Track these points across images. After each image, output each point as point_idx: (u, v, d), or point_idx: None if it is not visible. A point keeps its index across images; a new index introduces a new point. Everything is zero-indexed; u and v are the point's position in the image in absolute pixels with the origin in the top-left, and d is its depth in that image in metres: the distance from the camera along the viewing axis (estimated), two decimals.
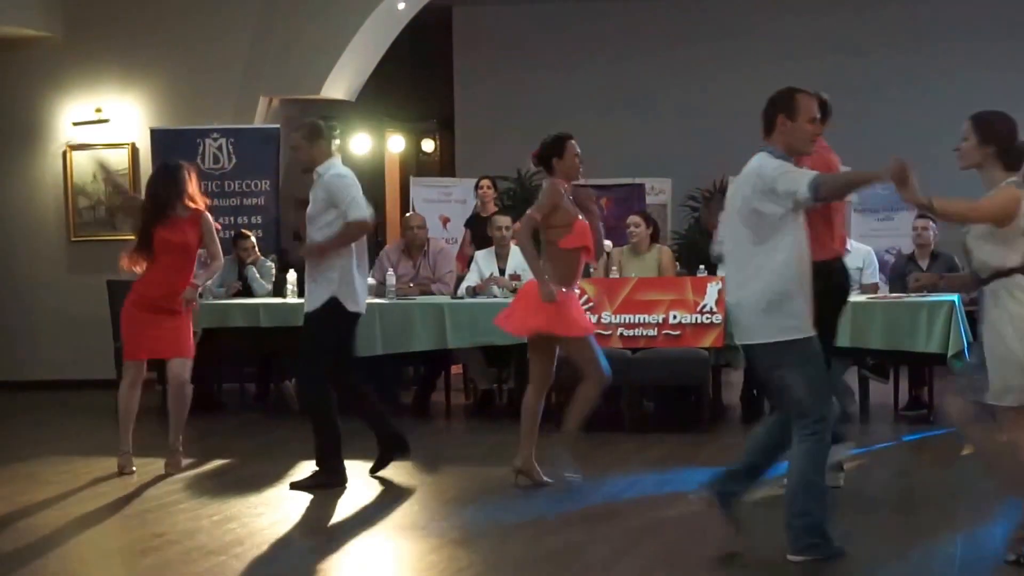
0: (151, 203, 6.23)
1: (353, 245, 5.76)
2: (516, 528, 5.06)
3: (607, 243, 8.27)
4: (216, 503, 5.59)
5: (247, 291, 8.64)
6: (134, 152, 9.93)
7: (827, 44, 11.27)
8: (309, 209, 5.83)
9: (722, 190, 9.51)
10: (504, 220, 8.44)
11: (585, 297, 7.37)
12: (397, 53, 10.79)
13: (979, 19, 11.21)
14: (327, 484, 5.74)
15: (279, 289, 8.47)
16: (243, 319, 8.07)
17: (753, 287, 4.21)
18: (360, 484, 5.91)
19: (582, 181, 9.94)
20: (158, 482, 6.04)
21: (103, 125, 9.93)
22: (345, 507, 5.55)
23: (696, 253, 8.87)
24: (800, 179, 4.14)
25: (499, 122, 11.76)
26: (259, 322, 7.97)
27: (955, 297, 7.21)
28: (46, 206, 10.08)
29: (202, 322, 8.15)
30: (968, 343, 7.12)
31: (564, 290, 5.61)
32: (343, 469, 5.84)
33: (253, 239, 8.88)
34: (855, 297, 6.35)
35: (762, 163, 4.24)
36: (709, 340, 7.22)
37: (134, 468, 6.25)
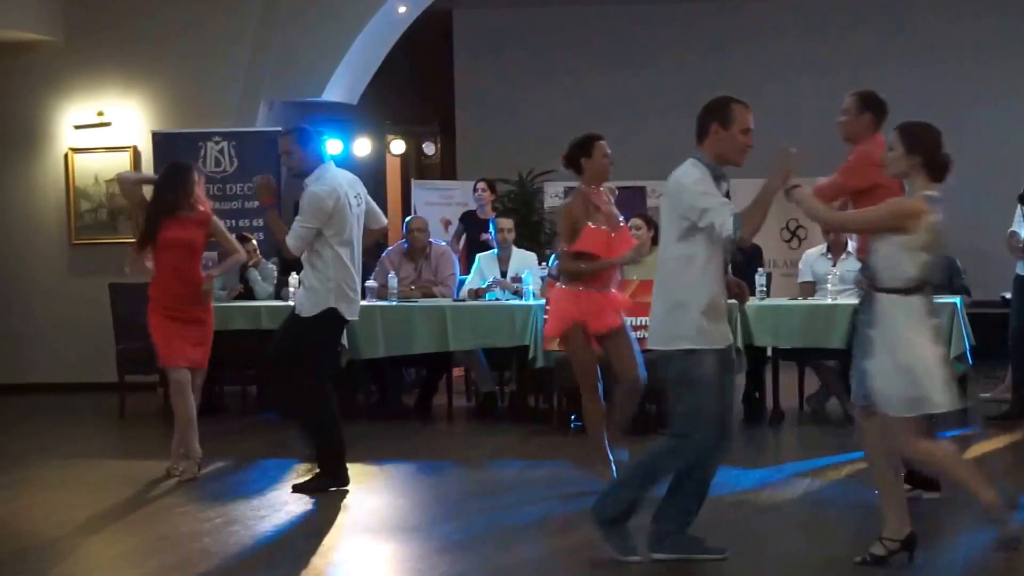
0: (159, 199, 6.19)
1: (347, 257, 5.70)
2: (519, 530, 5.07)
3: None
4: (219, 506, 5.59)
5: (249, 294, 8.65)
6: (136, 155, 9.93)
7: (828, 44, 11.29)
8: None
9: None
10: (507, 222, 8.46)
11: None
12: (398, 56, 10.80)
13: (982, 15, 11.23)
14: (329, 486, 5.74)
15: (281, 291, 8.48)
16: (245, 322, 8.07)
17: (658, 291, 4.31)
18: (362, 487, 5.91)
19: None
20: (160, 485, 6.03)
21: (105, 128, 9.94)
22: (348, 510, 5.55)
23: None
24: (724, 218, 4.11)
25: (500, 125, 11.78)
26: (261, 324, 7.97)
27: (957, 300, 7.22)
28: (48, 209, 10.09)
29: None
30: (969, 346, 7.13)
31: (581, 288, 5.59)
32: (345, 471, 5.83)
33: (254, 242, 8.88)
34: (852, 300, 6.33)
35: (686, 173, 4.26)
36: None
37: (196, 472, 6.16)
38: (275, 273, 8.76)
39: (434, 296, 8.34)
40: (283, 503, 5.62)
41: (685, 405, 4.22)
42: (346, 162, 9.43)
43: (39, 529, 5.28)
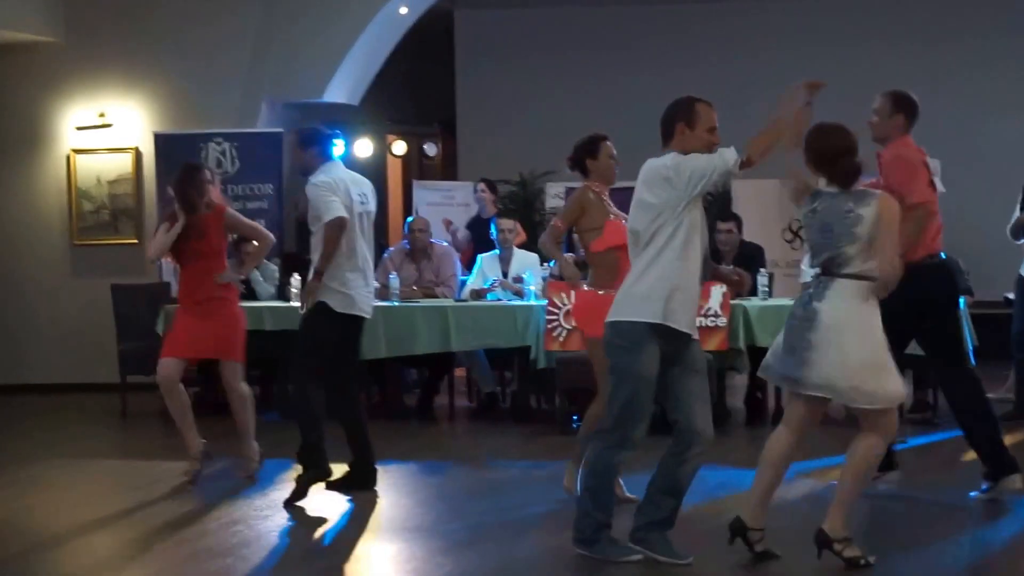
0: (184, 204, 6.08)
1: (345, 248, 5.68)
2: (522, 529, 5.08)
3: None
4: (222, 505, 5.59)
5: (251, 294, 8.65)
6: (137, 156, 9.95)
7: (836, 47, 11.29)
8: (309, 214, 5.83)
9: (725, 191, 9.53)
10: (508, 223, 8.46)
11: None
12: (399, 57, 10.81)
13: (990, 16, 11.24)
14: (314, 479, 5.71)
15: (283, 292, 8.48)
16: (247, 322, 8.05)
17: (629, 281, 4.31)
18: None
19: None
20: (162, 485, 6.03)
21: (106, 130, 9.95)
22: (351, 509, 5.55)
23: None
24: (722, 154, 4.21)
25: (501, 125, 11.78)
26: (263, 325, 7.96)
27: (960, 300, 7.20)
28: (50, 210, 10.10)
29: None
30: (973, 346, 7.12)
31: (602, 292, 5.33)
32: (325, 461, 5.71)
33: (255, 242, 8.88)
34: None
35: (653, 161, 4.34)
36: (714, 344, 7.21)
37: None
38: (277, 274, 8.76)
39: (436, 296, 8.35)
40: (283, 504, 5.62)
41: (614, 396, 4.40)
42: (347, 163, 9.42)
43: (41, 529, 5.28)
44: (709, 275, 4.50)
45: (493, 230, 8.48)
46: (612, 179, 5.52)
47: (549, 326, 7.13)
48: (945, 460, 6.58)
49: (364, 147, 11.37)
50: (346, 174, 5.86)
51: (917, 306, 5.08)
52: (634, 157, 13.15)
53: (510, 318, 7.61)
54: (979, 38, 11.23)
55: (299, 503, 5.57)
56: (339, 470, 5.78)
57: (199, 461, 6.10)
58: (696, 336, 4.39)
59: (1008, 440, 6.98)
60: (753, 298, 7.57)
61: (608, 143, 5.56)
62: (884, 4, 11.52)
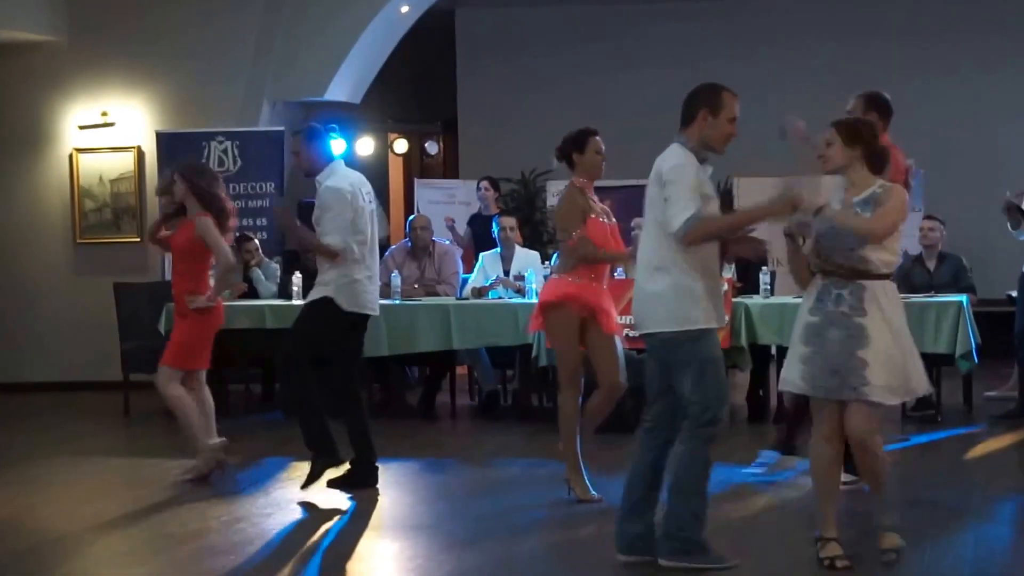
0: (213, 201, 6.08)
1: (363, 246, 5.70)
2: (525, 528, 5.07)
3: None
4: (224, 504, 5.60)
5: (253, 293, 8.66)
6: (139, 155, 9.95)
7: (836, 46, 11.28)
8: (314, 214, 5.81)
9: (727, 191, 9.53)
10: (509, 221, 8.46)
11: None
12: (401, 56, 10.81)
13: (992, 14, 11.23)
14: (325, 466, 5.73)
15: (284, 291, 8.49)
16: (248, 321, 8.08)
17: (660, 279, 4.20)
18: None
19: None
20: (165, 483, 6.03)
21: (109, 129, 9.96)
22: (353, 507, 5.55)
23: None
24: (679, 212, 4.11)
25: (502, 124, 11.79)
26: (264, 324, 7.98)
27: (963, 298, 7.21)
28: (52, 209, 10.11)
29: None
30: (975, 344, 7.12)
31: (589, 280, 5.38)
32: (335, 447, 5.74)
33: (256, 241, 8.91)
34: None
35: (664, 158, 4.27)
36: None
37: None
38: (278, 272, 8.77)
39: (437, 295, 8.35)
40: (288, 501, 5.63)
41: (701, 387, 4.17)
42: (349, 161, 9.42)
43: (45, 527, 5.29)
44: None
45: (495, 228, 8.49)
46: (598, 174, 5.52)
47: None
48: (947, 458, 6.57)
49: (365, 146, 11.38)
50: (352, 175, 5.86)
51: None
52: (635, 154, 13.14)
53: (512, 316, 7.61)
54: (983, 36, 11.22)
55: (307, 496, 5.61)
56: (338, 470, 5.79)
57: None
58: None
59: (1012, 438, 7.01)
60: (755, 296, 7.57)
61: (597, 138, 5.53)
62: (885, 2, 11.51)
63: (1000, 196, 7.72)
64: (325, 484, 5.71)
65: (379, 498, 5.70)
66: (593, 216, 5.43)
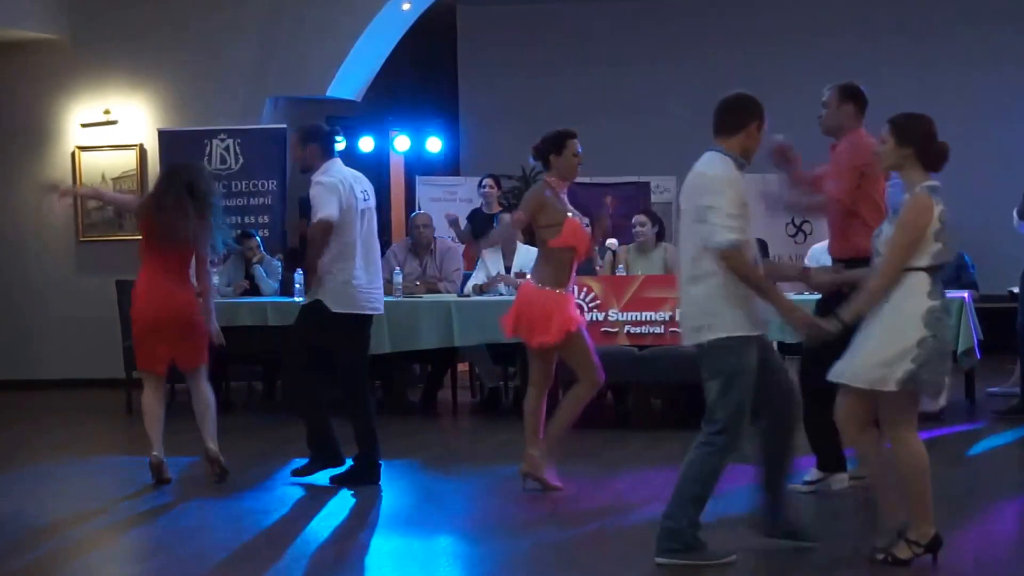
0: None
1: (348, 246, 5.69)
2: (527, 525, 5.08)
3: (612, 241, 8.32)
4: (226, 502, 5.61)
5: (254, 290, 8.67)
6: (142, 153, 9.97)
7: (831, 44, 11.28)
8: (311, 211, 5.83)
9: None
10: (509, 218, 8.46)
11: (592, 295, 7.39)
12: (402, 53, 10.81)
13: (992, 10, 11.21)
14: (324, 467, 5.76)
15: (286, 288, 8.50)
16: (250, 318, 8.09)
17: (701, 287, 4.19)
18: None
19: (587, 179, 10.03)
20: (168, 481, 6.04)
21: (111, 127, 9.98)
22: (354, 505, 5.57)
23: None
24: (723, 229, 4.10)
25: (504, 120, 11.79)
26: (267, 321, 7.99)
27: (966, 294, 7.21)
28: (55, 207, 10.12)
29: None
30: (979, 340, 7.12)
31: (559, 291, 5.47)
32: (338, 449, 5.80)
33: (258, 239, 8.91)
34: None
35: (708, 166, 4.23)
36: None
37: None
38: (280, 269, 8.78)
39: (439, 292, 8.36)
40: (290, 498, 5.65)
41: (731, 396, 4.19)
42: (350, 159, 9.44)
43: (47, 524, 5.30)
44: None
45: (497, 226, 8.49)
46: (572, 176, 5.59)
47: None
48: (950, 454, 6.57)
49: (367, 143, 11.38)
50: (348, 172, 5.86)
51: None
52: (638, 151, 13.19)
53: None
54: (983, 32, 11.21)
55: (305, 494, 5.61)
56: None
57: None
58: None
59: (1014, 435, 7.01)
60: None
61: (575, 140, 5.56)
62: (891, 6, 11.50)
63: (1004, 191, 7.73)
64: (328, 480, 5.72)
65: (380, 495, 5.71)
66: (570, 216, 5.49)
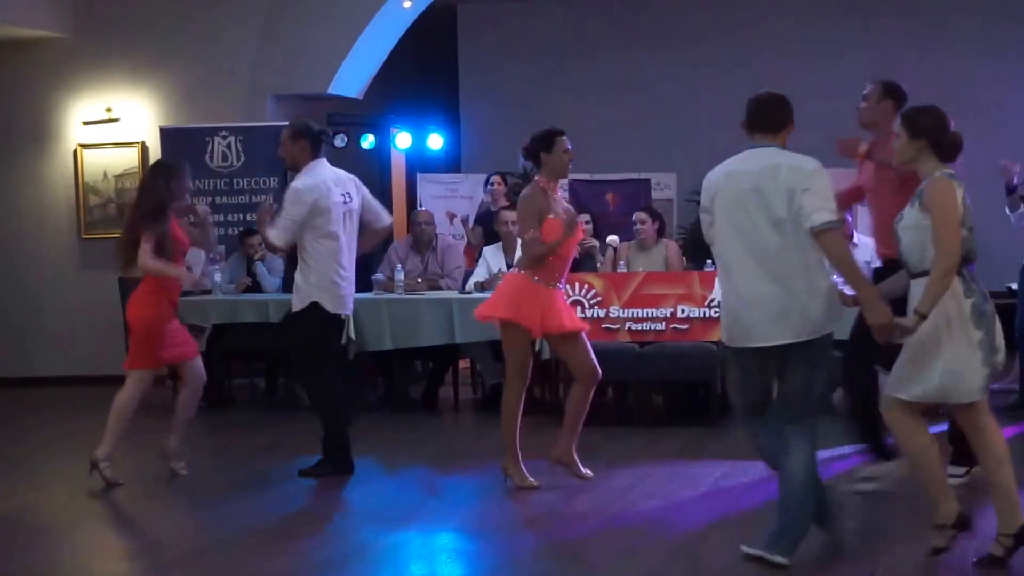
0: (160, 202, 6.07)
1: (336, 246, 5.75)
2: (529, 521, 5.10)
3: (613, 238, 8.35)
4: (228, 498, 5.63)
5: (256, 287, 8.70)
6: (144, 151, 9.99)
7: (831, 38, 11.29)
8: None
9: None
10: (510, 215, 8.47)
11: (593, 292, 7.42)
12: (403, 50, 10.83)
13: (988, 11, 11.23)
14: (329, 472, 5.81)
15: (288, 285, 8.49)
16: (253, 315, 8.12)
17: (797, 284, 4.11)
18: (371, 478, 5.96)
19: (588, 176, 10.04)
20: (168, 479, 6.06)
21: (113, 124, 10.00)
22: (357, 501, 5.59)
23: (703, 247, 8.89)
24: (826, 209, 4.07)
25: (504, 118, 11.79)
26: (269, 317, 8.02)
27: None
28: (57, 204, 10.15)
29: (212, 318, 8.22)
30: None
31: (524, 273, 5.49)
32: (349, 458, 5.89)
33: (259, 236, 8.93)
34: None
35: (797, 159, 4.17)
36: (717, 334, 7.20)
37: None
38: (282, 266, 8.80)
39: (441, 289, 8.38)
40: (291, 495, 5.67)
41: (818, 387, 4.22)
42: (352, 156, 9.47)
43: (49, 521, 5.32)
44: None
45: None
46: (565, 174, 5.63)
47: None
48: (948, 451, 6.59)
49: (368, 140, 11.39)
50: (330, 173, 5.89)
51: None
52: (639, 148, 13.16)
53: None
54: (981, 27, 11.21)
55: (306, 490, 5.63)
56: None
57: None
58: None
59: (1013, 431, 7.02)
60: None
61: (564, 138, 5.58)
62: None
63: (1003, 186, 7.75)
64: (297, 473, 5.81)
65: (381, 492, 5.74)
66: (551, 217, 5.50)
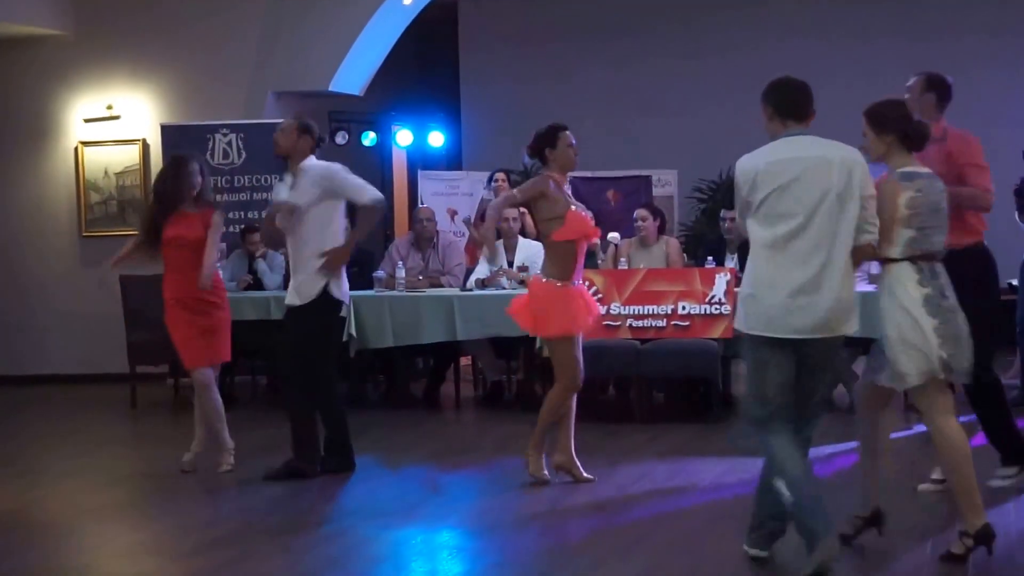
0: (158, 197, 6.08)
1: (337, 234, 5.80)
2: (530, 518, 5.10)
3: (614, 235, 8.35)
4: (229, 495, 5.64)
5: (257, 284, 8.71)
6: (145, 148, 10.00)
7: (831, 34, 11.28)
8: (299, 203, 5.75)
9: (729, 182, 9.55)
10: (511, 212, 8.47)
11: (594, 288, 7.41)
12: (404, 47, 10.84)
13: (990, 12, 11.22)
14: (303, 473, 5.81)
15: (289, 282, 8.52)
16: (254, 312, 8.12)
17: (850, 280, 4.09)
18: (372, 475, 5.96)
19: (589, 173, 10.05)
20: (172, 474, 6.08)
21: (114, 122, 10.01)
22: (358, 498, 5.60)
23: (703, 244, 8.90)
24: (875, 224, 4.05)
25: (505, 115, 11.80)
26: (270, 315, 8.02)
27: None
28: (58, 202, 10.16)
29: None
30: None
31: (559, 284, 5.51)
32: (351, 455, 5.91)
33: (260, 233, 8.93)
34: (865, 287, 6.34)
35: (849, 152, 4.07)
36: (718, 331, 7.26)
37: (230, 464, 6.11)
38: (284, 264, 8.80)
39: (442, 286, 8.39)
40: (292, 493, 5.67)
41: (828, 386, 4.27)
42: (353, 153, 9.48)
43: (52, 519, 5.33)
44: None
45: None
46: (571, 167, 5.61)
47: None
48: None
49: (369, 137, 11.39)
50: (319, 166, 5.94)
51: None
52: (640, 145, 13.15)
53: None
54: (984, 34, 11.20)
55: (307, 488, 5.65)
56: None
57: (232, 454, 6.13)
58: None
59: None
60: None
61: (567, 133, 5.58)
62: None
63: (1004, 183, 7.75)
64: (262, 477, 5.83)
65: (383, 488, 5.74)
66: (573, 209, 5.52)
